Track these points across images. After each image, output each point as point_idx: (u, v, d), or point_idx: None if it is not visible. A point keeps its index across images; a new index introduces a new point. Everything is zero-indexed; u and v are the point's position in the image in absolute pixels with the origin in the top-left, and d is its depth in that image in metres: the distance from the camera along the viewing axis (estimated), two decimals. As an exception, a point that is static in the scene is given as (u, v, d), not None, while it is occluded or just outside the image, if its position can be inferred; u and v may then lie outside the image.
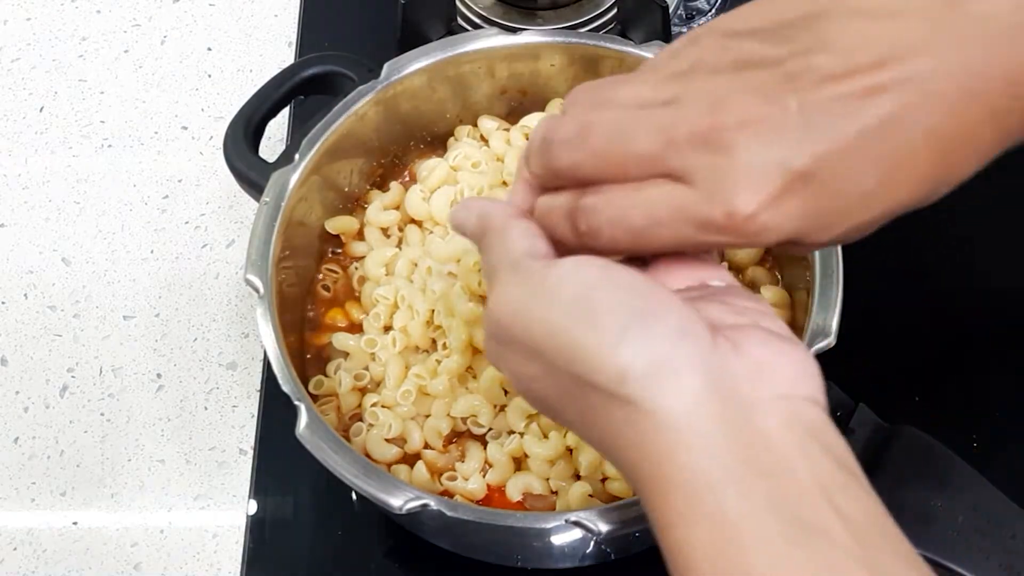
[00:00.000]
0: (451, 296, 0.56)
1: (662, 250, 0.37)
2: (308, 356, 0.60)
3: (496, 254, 0.37)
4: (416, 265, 0.60)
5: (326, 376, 0.58)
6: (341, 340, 0.59)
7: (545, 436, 0.55)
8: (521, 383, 0.37)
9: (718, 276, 0.38)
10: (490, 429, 0.56)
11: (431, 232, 0.61)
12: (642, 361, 0.32)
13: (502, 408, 0.56)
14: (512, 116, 0.65)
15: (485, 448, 0.55)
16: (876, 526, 0.32)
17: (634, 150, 0.35)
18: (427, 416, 0.56)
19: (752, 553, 0.31)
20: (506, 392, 0.56)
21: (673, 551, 0.33)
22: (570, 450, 0.54)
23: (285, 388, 0.50)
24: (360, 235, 0.63)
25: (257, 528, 0.60)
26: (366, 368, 0.58)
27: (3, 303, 0.70)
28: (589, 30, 0.72)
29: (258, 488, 0.62)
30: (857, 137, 0.33)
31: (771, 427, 0.32)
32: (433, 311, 0.57)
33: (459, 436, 0.57)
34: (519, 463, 0.55)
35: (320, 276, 0.62)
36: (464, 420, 0.56)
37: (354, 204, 0.64)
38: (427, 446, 0.56)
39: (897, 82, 0.33)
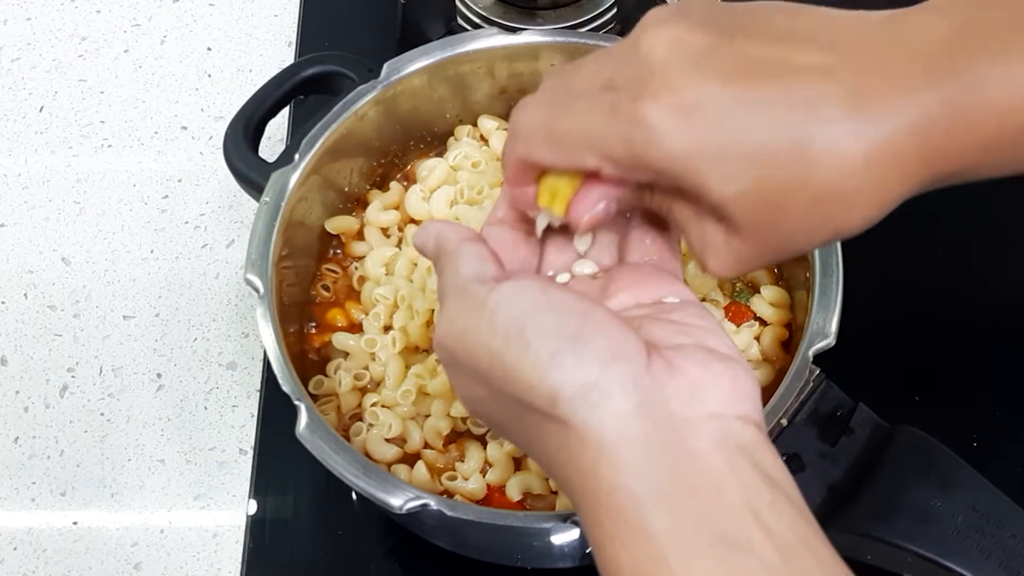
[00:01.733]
0: None
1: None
2: (308, 356, 0.60)
3: (446, 277, 0.38)
4: (416, 265, 0.60)
5: (326, 376, 0.58)
6: (341, 340, 0.59)
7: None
8: (469, 403, 0.38)
9: (673, 292, 0.38)
10: (490, 429, 0.56)
11: None
12: (572, 384, 0.33)
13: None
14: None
15: (485, 448, 0.55)
16: (802, 540, 0.32)
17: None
18: (427, 416, 0.56)
19: (677, 569, 0.31)
20: None
21: (604, 568, 0.33)
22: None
23: (285, 388, 0.50)
24: (360, 235, 0.63)
25: (257, 528, 0.60)
26: (366, 368, 0.58)
27: (3, 303, 0.70)
28: (589, 30, 0.72)
29: (258, 488, 0.62)
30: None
31: (701, 446, 0.33)
32: (433, 311, 0.57)
33: (459, 436, 0.56)
34: (519, 463, 0.55)
35: (320, 276, 0.62)
36: (464, 420, 0.56)
37: (354, 204, 0.64)
38: (427, 446, 0.56)
39: None
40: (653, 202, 0.38)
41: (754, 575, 0.31)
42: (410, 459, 0.56)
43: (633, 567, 0.32)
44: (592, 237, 0.42)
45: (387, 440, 0.56)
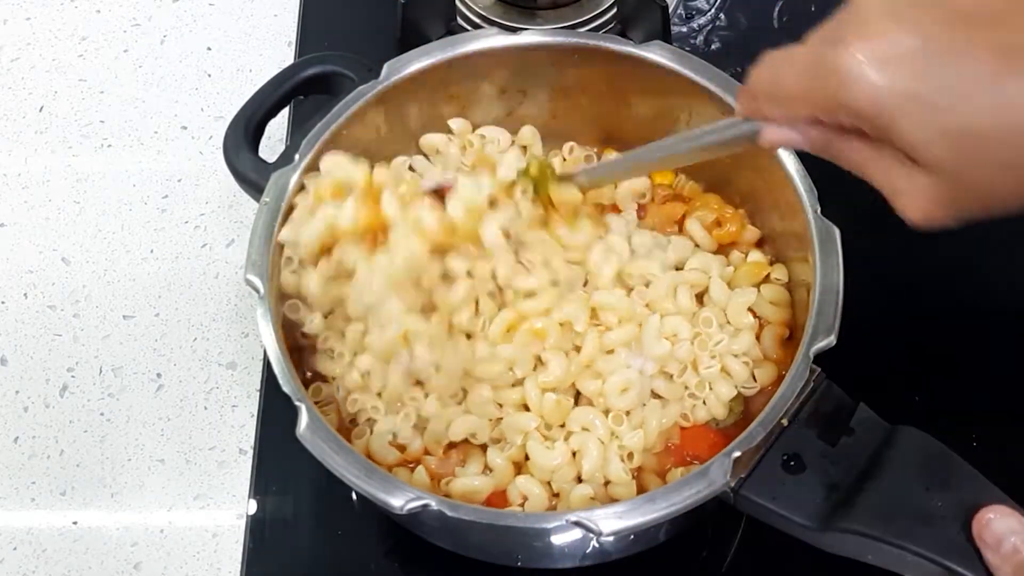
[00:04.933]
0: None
1: None
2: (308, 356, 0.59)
3: None
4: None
5: (325, 383, 0.58)
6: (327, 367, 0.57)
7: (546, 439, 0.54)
8: None
9: None
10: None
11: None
12: None
13: (499, 419, 0.55)
14: (512, 116, 0.65)
15: (485, 454, 0.55)
16: None
17: None
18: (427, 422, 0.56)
19: None
20: (500, 406, 0.55)
21: None
22: (573, 454, 0.54)
23: (285, 388, 0.50)
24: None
25: (257, 528, 0.60)
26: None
27: (3, 303, 0.70)
28: (589, 30, 0.72)
29: (258, 488, 0.62)
30: None
31: None
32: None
33: (460, 443, 0.56)
34: (519, 468, 0.55)
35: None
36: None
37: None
38: (427, 452, 0.56)
39: None
40: (847, 149, 0.39)
41: None
42: (410, 463, 0.56)
43: None
44: None
45: (387, 444, 0.55)
